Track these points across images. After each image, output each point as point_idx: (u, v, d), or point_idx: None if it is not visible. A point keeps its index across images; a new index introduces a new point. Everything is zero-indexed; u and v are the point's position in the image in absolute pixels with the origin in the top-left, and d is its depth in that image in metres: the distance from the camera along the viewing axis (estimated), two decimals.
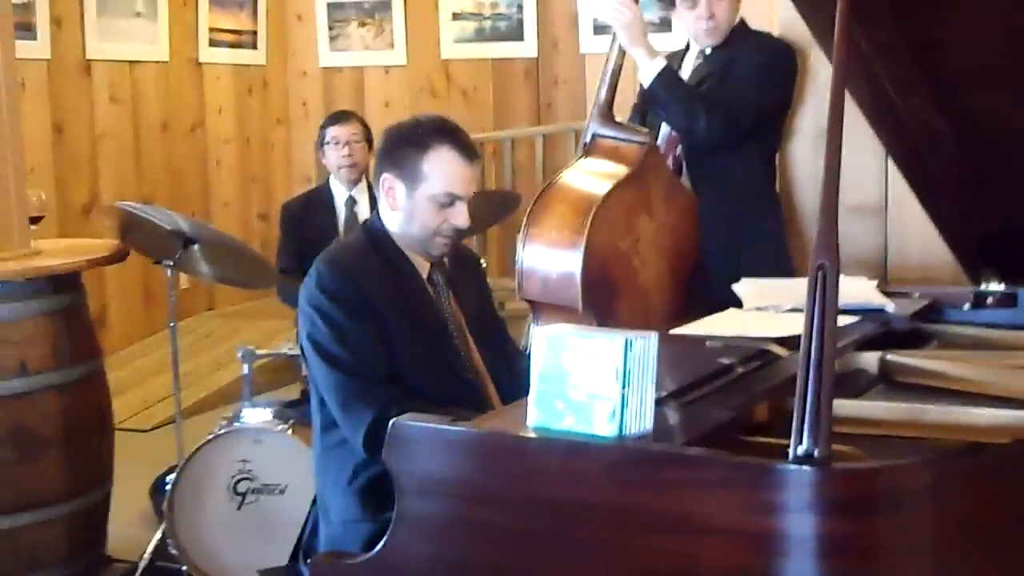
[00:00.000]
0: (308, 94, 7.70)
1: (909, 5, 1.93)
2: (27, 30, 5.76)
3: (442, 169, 2.54)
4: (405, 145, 2.57)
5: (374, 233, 2.64)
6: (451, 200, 2.55)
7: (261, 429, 3.64)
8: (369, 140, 4.57)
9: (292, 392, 4.73)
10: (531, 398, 1.82)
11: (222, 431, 3.65)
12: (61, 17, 6.08)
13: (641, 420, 1.77)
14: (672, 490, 1.67)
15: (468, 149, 2.58)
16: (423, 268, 2.65)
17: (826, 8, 1.79)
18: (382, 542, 1.86)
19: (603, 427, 1.75)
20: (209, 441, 3.62)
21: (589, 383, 1.77)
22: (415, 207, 2.56)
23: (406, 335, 2.52)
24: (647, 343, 1.78)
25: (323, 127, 4.61)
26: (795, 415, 1.65)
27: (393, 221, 2.62)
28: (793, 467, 1.62)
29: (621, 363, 1.74)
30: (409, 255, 2.63)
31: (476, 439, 1.83)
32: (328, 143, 4.54)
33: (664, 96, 3.42)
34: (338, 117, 4.64)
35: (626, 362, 1.74)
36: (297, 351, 3.85)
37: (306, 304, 2.55)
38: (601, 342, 1.76)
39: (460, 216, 2.56)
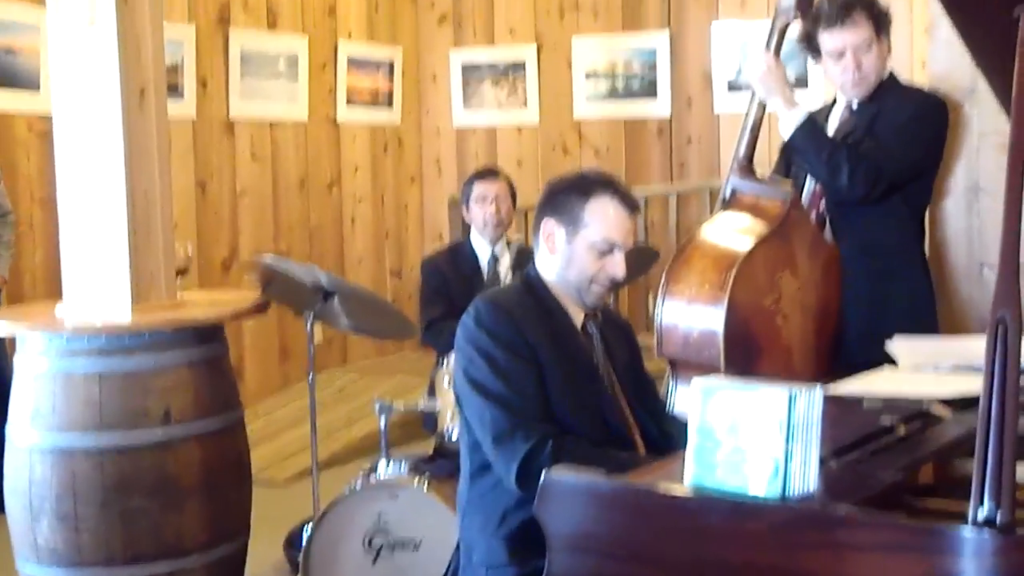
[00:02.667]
0: (442, 153, 7.79)
1: None
2: (174, 90, 5.94)
3: (603, 216, 2.57)
4: (568, 192, 2.61)
5: (531, 281, 2.67)
6: (610, 247, 2.57)
7: (398, 484, 3.62)
8: (513, 198, 4.56)
9: (425, 448, 4.71)
10: (688, 452, 1.76)
11: (359, 485, 3.65)
12: (207, 78, 6.27)
13: (806, 479, 1.70)
14: (843, 553, 1.59)
15: (629, 200, 2.62)
16: (577, 317, 2.66)
17: (1001, 45, 1.71)
18: None
19: (766, 485, 1.68)
20: (347, 494, 3.61)
21: (751, 438, 1.70)
22: (574, 253, 2.59)
23: (560, 378, 2.53)
24: (812, 397, 1.71)
25: (469, 183, 4.60)
26: (975, 476, 1.56)
27: (550, 268, 2.63)
28: (974, 532, 1.53)
29: (785, 418, 1.67)
30: (564, 303, 2.64)
31: (633, 495, 1.77)
32: (475, 200, 4.53)
33: (805, 148, 3.34)
34: (485, 174, 4.63)
35: (791, 417, 1.67)
36: (432, 406, 3.87)
37: (464, 342, 2.57)
38: (764, 395, 1.69)
39: (617, 266, 2.58)
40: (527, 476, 2.34)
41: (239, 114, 6.46)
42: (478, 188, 4.53)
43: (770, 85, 3.35)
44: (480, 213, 4.51)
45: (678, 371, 3.28)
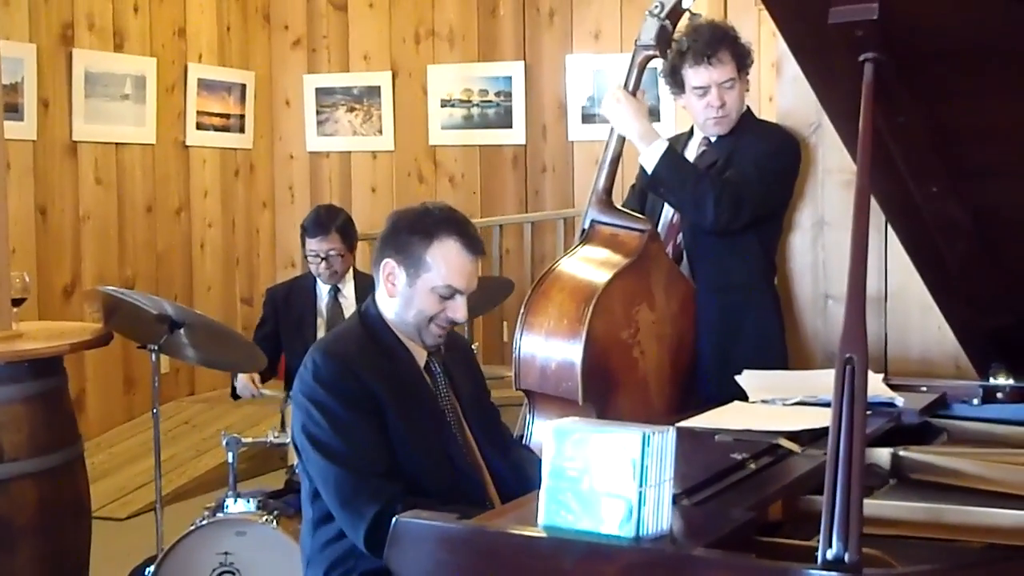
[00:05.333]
0: (295, 178, 7.68)
1: (929, 90, 1.90)
2: (14, 111, 5.72)
3: (446, 261, 2.49)
4: (411, 232, 2.51)
5: (369, 320, 2.58)
6: (451, 293, 2.50)
7: (245, 521, 3.53)
8: (351, 245, 4.40)
9: (276, 481, 4.60)
10: (541, 494, 1.74)
11: (204, 522, 3.54)
12: (48, 98, 6.05)
13: (658, 520, 1.69)
14: None
15: (474, 243, 2.53)
16: (420, 356, 2.58)
17: (846, 89, 1.74)
18: None
19: (618, 527, 1.67)
20: (191, 532, 3.50)
21: (604, 480, 1.68)
22: (414, 295, 2.51)
23: (405, 425, 2.45)
24: (665, 438, 1.70)
25: (302, 233, 4.39)
26: (824, 516, 1.57)
27: (390, 307, 2.55)
28: (823, 572, 1.54)
29: (639, 459, 1.65)
30: (406, 343, 2.56)
31: (483, 538, 1.73)
32: (308, 252, 4.38)
33: (669, 179, 3.33)
34: (316, 229, 4.34)
35: (643, 458, 1.66)
36: (283, 439, 3.78)
37: (301, 396, 2.46)
38: (616, 437, 1.68)
39: (459, 310, 2.52)
40: (377, 539, 2.25)
41: (83, 136, 6.25)
42: (308, 244, 4.36)
43: (626, 120, 3.37)
44: (312, 266, 4.39)
45: (536, 403, 3.27)
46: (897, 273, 3.45)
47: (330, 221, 4.37)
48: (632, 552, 1.63)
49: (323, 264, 4.35)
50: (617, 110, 3.38)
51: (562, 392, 3.09)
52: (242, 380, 4.15)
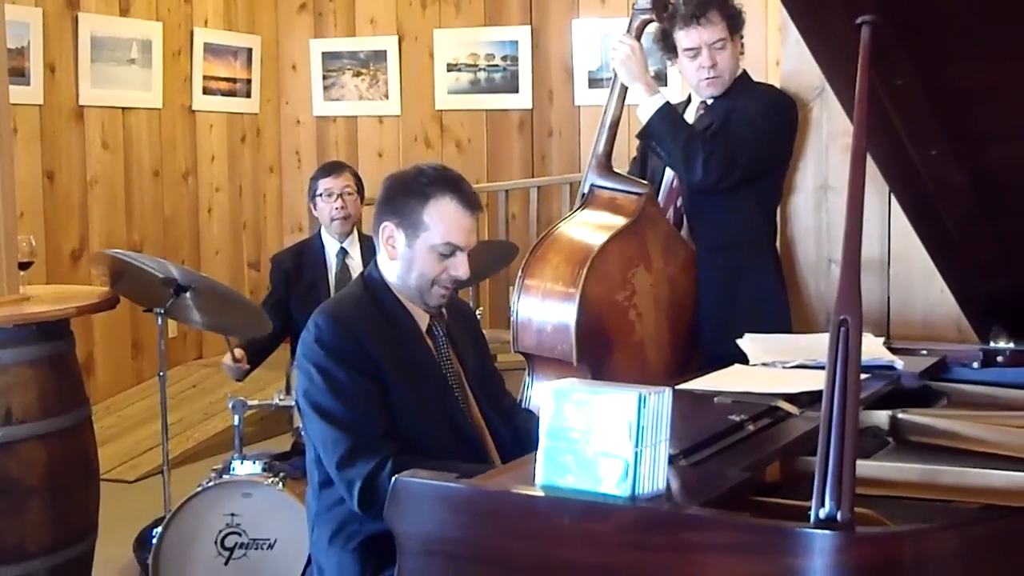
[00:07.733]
0: (301, 143, 7.68)
1: (928, 53, 1.90)
2: (20, 75, 5.73)
3: (443, 219, 2.50)
4: (406, 194, 2.52)
5: (372, 284, 2.59)
6: (451, 250, 2.51)
7: (251, 482, 3.56)
8: (361, 192, 4.50)
9: (283, 443, 4.64)
10: (539, 455, 1.76)
11: (211, 483, 3.57)
12: (55, 63, 6.05)
13: (654, 480, 1.71)
14: (690, 553, 1.60)
15: (470, 199, 2.54)
16: (422, 320, 2.59)
17: (844, 52, 1.75)
18: None
19: (615, 486, 1.69)
20: (197, 493, 3.54)
21: (600, 440, 1.70)
22: (415, 256, 2.52)
23: (406, 388, 2.46)
24: (661, 399, 1.72)
25: (314, 179, 4.50)
26: (816, 476, 1.59)
27: (392, 271, 2.57)
28: (815, 531, 1.56)
29: (635, 420, 1.68)
30: (408, 306, 2.57)
31: (482, 497, 1.76)
32: (320, 195, 4.43)
33: (662, 132, 3.36)
34: (330, 169, 4.51)
35: (640, 419, 1.68)
36: (289, 402, 3.81)
37: (303, 359, 2.48)
38: (613, 398, 1.70)
39: (460, 267, 2.52)
40: (369, 497, 2.30)
41: (89, 101, 6.25)
42: (323, 184, 4.43)
43: (632, 69, 3.39)
44: (327, 209, 4.43)
45: (534, 366, 3.29)
46: (900, 237, 3.46)
47: (343, 165, 4.60)
48: (628, 511, 1.66)
49: (338, 202, 4.40)
50: (625, 59, 3.39)
51: (557, 354, 3.12)
52: (227, 361, 4.12)
